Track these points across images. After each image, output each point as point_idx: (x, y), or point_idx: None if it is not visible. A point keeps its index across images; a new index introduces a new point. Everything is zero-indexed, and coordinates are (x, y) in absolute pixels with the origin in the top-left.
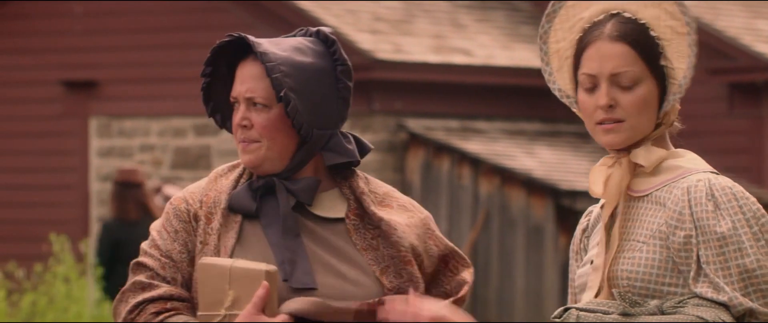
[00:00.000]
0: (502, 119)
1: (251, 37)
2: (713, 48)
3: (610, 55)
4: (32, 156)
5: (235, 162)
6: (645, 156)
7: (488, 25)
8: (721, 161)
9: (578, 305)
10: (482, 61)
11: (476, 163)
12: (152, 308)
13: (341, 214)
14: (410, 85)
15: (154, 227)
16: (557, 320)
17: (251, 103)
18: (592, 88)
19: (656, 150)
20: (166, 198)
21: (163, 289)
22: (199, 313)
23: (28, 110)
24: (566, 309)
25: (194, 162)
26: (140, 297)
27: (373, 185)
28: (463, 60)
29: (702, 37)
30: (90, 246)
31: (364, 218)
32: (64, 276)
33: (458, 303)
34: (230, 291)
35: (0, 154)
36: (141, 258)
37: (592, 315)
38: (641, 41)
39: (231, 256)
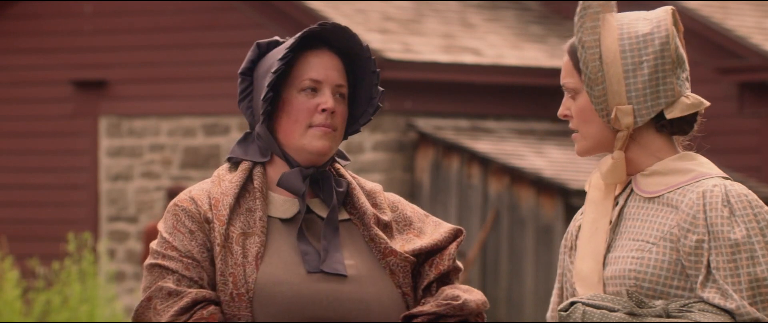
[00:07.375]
0: (511, 119)
1: (350, 31)
2: (723, 47)
3: (563, 67)
4: (42, 155)
5: (228, 165)
6: (605, 165)
7: (498, 25)
8: (731, 160)
9: (583, 299)
10: (492, 60)
11: (486, 163)
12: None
13: (344, 214)
14: (420, 84)
15: (164, 228)
16: (563, 314)
17: (337, 92)
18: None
19: (608, 158)
20: None
21: (194, 293)
22: None
23: (38, 110)
24: (572, 303)
25: (204, 162)
26: (175, 307)
27: (359, 179)
28: (473, 59)
29: (712, 36)
30: (102, 246)
31: (364, 216)
32: (79, 274)
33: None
34: None
35: (10, 154)
36: (159, 261)
37: (598, 312)
38: (575, 53)
39: (259, 262)
